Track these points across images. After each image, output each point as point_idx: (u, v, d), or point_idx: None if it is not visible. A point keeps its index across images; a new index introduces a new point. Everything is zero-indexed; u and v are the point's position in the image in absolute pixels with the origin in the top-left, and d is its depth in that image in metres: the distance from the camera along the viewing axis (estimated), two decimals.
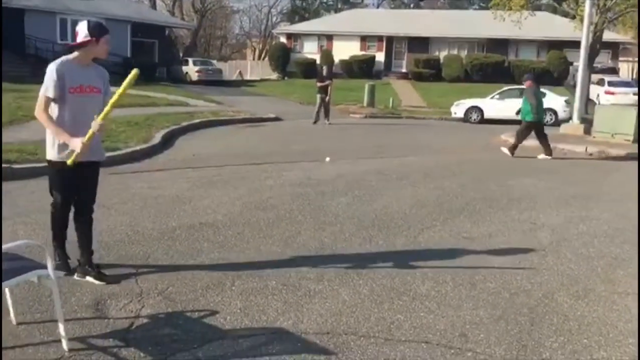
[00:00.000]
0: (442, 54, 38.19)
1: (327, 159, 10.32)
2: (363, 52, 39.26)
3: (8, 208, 6.07)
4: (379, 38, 39.84)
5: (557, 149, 13.31)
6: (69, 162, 3.96)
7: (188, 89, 28.82)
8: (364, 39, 40.06)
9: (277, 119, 18.85)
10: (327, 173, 9.06)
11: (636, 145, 13.51)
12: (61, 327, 3.18)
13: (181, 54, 45.16)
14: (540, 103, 11.92)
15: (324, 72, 18.53)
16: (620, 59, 40.31)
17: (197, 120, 15.72)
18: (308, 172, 9.07)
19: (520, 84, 16.51)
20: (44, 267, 3.17)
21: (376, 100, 24.40)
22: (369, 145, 13.00)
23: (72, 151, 3.95)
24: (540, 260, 5.13)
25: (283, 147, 12.10)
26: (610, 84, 28.21)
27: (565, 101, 21.15)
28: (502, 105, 21.43)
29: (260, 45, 60.31)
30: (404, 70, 38.76)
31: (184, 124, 14.71)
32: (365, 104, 24.26)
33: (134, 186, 7.58)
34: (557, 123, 19.11)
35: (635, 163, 11.79)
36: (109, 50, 4.19)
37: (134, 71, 3.80)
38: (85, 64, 4.12)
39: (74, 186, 4.21)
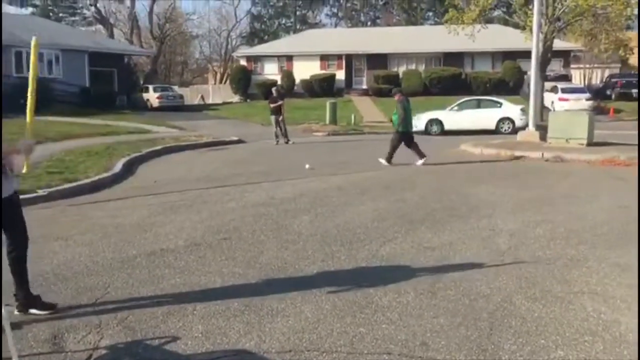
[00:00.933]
0: (401, 69, 38.79)
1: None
2: (323, 71, 39.60)
3: None
4: (339, 56, 40.27)
5: (514, 156, 13.63)
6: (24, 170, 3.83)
7: (149, 115, 28.61)
8: (324, 58, 40.43)
9: (239, 141, 18.84)
10: (290, 192, 9.08)
11: (590, 149, 13.93)
12: None
13: (141, 81, 44.81)
14: (408, 114, 12.43)
15: (274, 93, 18.80)
16: (572, 66, 41.52)
17: (158, 147, 15.60)
18: (271, 192, 9.08)
19: (478, 94, 16.90)
20: None
21: (338, 118, 24.64)
22: (332, 162, 13.09)
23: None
24: (499, 265, 5.22)
25: (245, 169, 12.09)
26: (564, 90, 29.08)
27: (521, 109, 21.69)
28: (460, 116, 21.90)
29: (221, 69, 60.31)
30: (364, 86, 39.20)
31: (145, 151, 14.58)
32: (327, 121, 24.47)
33: (93, 216, 7.47)
34: (515, 131, 19.60)
35: (589, 166, 12.15)
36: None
37: (33, 40, 3.69)
38: None
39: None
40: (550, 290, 4.57)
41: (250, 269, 5.21)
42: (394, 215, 7.30)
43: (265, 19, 65.20)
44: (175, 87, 42.59)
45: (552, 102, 28.27)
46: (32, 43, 3.64)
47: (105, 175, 10.56)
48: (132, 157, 13.22)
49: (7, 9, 50.07)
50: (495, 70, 37.43)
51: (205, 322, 3.98)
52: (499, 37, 35.88)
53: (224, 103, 39.78)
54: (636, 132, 14.16)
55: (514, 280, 4.82)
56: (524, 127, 18.57)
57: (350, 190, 9.17)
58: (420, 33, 42.89)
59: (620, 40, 27.28)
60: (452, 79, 35.99)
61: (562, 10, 24.06)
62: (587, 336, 3.75)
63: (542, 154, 13.36)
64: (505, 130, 21.27)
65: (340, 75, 39.91)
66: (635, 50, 29.25)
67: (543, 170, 11.74)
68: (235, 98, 41.14)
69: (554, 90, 29.08)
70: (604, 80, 42.07)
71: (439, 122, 21.88)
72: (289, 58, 41.07)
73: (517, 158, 13.44)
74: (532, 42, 17.44)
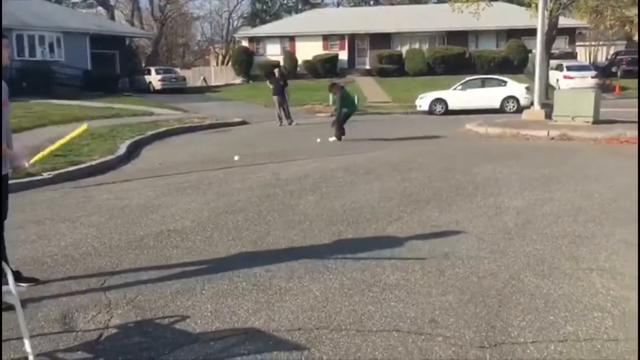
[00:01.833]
0: (404, 49, 38.54)
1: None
2: (326, 52, 39.37)
3: None
4: (341, 37, 40.02)
5: (520, 134, 13.57)
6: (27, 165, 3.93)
7: (152, 98, 28.55)
8: (326, 38, 40.19)
9: (243, 122, 18.79)
10: (295, 172, 9.07)
11: (596, 126, 13.85)
12: (26, 344, 3.12)
13: (143, 64, 44.62)
14: (345, 101, 13.62)
15: (276, 74, 18.73)
16: (578, 43, 41.21)
17: (162, 129, 15.58)
18: (276, 173, 9.07)
19: (482, 73, 16.76)
20: (5, 283, 3.12)
21: None
22: (336, 144, 13.04)
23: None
24: (507, 243, 5.22)
25: (250, 150, 12.06)
26: (569, 68, 28.84)
27: (526, 88, 21.56)
28: (465, 95, 21.77)
29: (223, 51, 59.98)
30: (367, 67, 39.00)
31: (149, 133, 14.57)
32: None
33: (99, 198, 7.47)
34: (519, 110, 19.50)
35: (595, 144, 12.10)
36: (9, 55, 3.98)
37: (84, 126, 3.78)
38: None
39: None
40: (559, 267, 4.57)
41: (257, 248, 5.22)
42: (400, 195, 7.28)
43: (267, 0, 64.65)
44: (177, 70, 42.42)
45: (557, 80, 28.06)
46: (82, 127, 3.75)
47: (110, 157, 10.56)
48: (136, 139, 13.22)
49: None
50: (499, 49, 37.16)
51: (214, 301, 3.99)
52: (503, 15, 35.59)
53: (227, 85, 39.65)
54: None
55: (522, 257, 4.81)
56: (529, 106, 18.48)
57: (356, 171, 9.15)
58: (423, 12, 42.50)
59: (626, 17, 27.02)
60: (456, 58, 35.74)
61: None
62: (596, 312, 3.75)
63: (548, 133, 13.29)
64: (510, 109, 21.15)
65: (343, 55, 39.71)
66: None
67: (549, 148, 11.69)
68: (238, 80, 40.98)
69: (559, 68, 28.86)
70: (609, 57, 41.74)
71: (443, 102, 21.77)
72: (292, 39, 40.84)
73: (523, 136, 13.38)
74: (537, 20, 17.28)
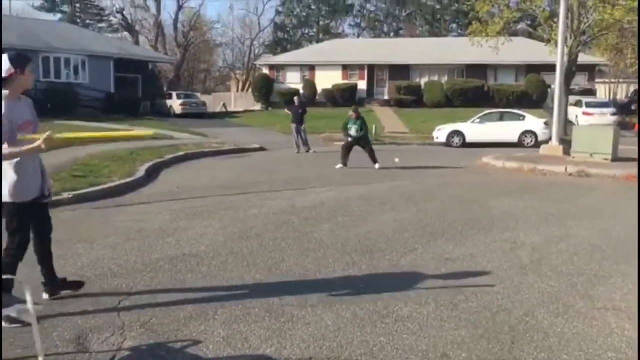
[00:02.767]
0: (423, 81, 38.78)
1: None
2: (345, 81, 39.75)
3: None
4: (361, 67, 40.42)
5: (537, 169, 13.53)
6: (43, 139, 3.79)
7: (172, 122, 28.95)
8: (346, 68, 40.61)
9: (261, 149, 18.96)
10: (311, 200, 9.11)
11: (615, 164, 13.75)
12: None
13: (165, 88, 45.36)
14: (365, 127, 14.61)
15: (296, 102, 18.91)
16: (597, 80, 41.13)
17: (181, 153, 15.77)
18: (292, 201, 9.12)
19: (501, 107, 16.77)
20: (23, 302, 3.18)
21: None
22: (353, 172, 13.10)
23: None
24: (521, 279, 5.19)
25: (267, 177, 12.16)
26: (588, 105, 28.79)
27: (545, 123, 21.52)
28: (483, 128, 21.78)
29: (244, 77, 60.81)
30: (386, 97, 39.25)
31: (169, 157, 14.74)
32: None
33: (117, 220, 7.57)
34: (537, 145, 19.44)
35: (613, 181, 12.01)
36: (34, 79, 4.14)
37: (150, 132, 3.88)
38: (17, 99, 4.01)
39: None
40: (574, 306, 4.53)
41: (271, 275, 5.25)
42: (415, 226, 7.28)
43: (288, 29, 65.69)
44: (198, 95, 43.01)
45: (577, 117, 28.00)
46: (148, 132, 3.84)
47: (128, 180, 10.70)
48: (155, 162, 13.37)
49: (37, 14, 51.16)
50: (518, 83, 37.22)
51: (227, 327, 4.02)
52: (523, 50, 35.70)
53: (246, 111, 40.07)
54: None
55: (536, 294, 4.78)
56: (547, 141, 18.41)
57: (372, 200, 9.17)
58: (443, 44, 42.84)
59: None
60: (475, 91, 35.85)
61: (587, 24, 23.89)
62: (610, 353, 3.71)
63: (566, 169, 13.23)
64: (528, 143, 21.11)
65: (362, 85, 40.03)
66: None
67: (567, 184, 11.63)
68: (257, 106, 41.43)
69: (578, 104, 28.81)
70: (629, 95, 41.58)
71: (460, 134, 21.79)
72: (312, 67, 41.32)
73: (540, 171, 13.33)
74: (556, 56, 17.33)
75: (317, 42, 58.10)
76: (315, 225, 7.28)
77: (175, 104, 34.66)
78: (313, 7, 64.35)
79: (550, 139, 17.87)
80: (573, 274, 5.36)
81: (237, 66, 65.17)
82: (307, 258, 5.79)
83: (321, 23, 65.19)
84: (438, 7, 61.33)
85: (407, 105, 36.41)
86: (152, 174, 12.22)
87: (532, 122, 22.01)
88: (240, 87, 59.30)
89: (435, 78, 39.08)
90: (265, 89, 40.71)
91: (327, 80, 39.16)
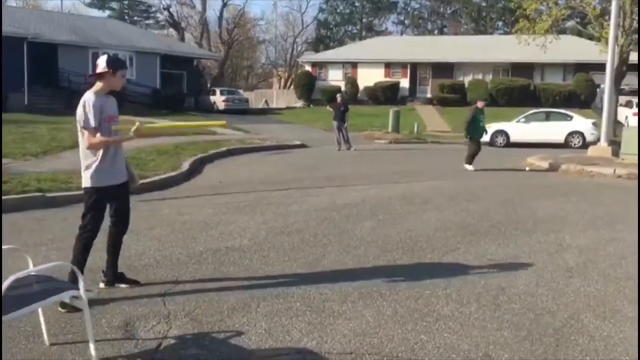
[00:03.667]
0: (467, 79, 38.25)
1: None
2: (388, 79, 39.57)
3: (42, 234, 6.28)
4: (403, 65, 40.15)
5: (584, 171, 13.20)
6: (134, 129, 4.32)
7: (215, 118, 29.31)
8: (388, 65, 40.41)
9: (302, 145, 19.05)
10: (352, 198, 9.12)
11: None
12: (92, 347, 3.28)
13: (209, 84, 46.01)
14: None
15: (338, 99, 18.93)
16: None
17: (224, 148, 15.99)
18: (333, 197, 9.15)
19: (547, 107, 16.43)
20: (76, 288, 3.29)
21: (401, 126, 24.50)
22: (394, 171, 13.05)
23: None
24: (566, 281, 5.09)
25: (308, 173, 12.22)
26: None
27: (593, 124, 20.98)
28: (528, 128, 21.37)
29: (286, 74, 61.16)
30: (428, 95, 38.90)
31: (211, 152, 14.97)
32: (390, 129, 24.37)
33: (162, 212, 7.75)
34: (585, 146, 18.97)
35: None
36: (123, 84, 4.52)
37: (223, 122, 4.23)
38: (106, 95, 4.44)
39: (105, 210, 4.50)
40: (621, 310, 4.42)
41: (312, 270, 5.29)
42: (457, 226, 7.21)
43: (331, 26, 65.73)
44: (241, 91, 43.50)
45: (626, 117, 27.15)
46: (222, 122, 4.21)
47: (173, 173, 10.92)
48: (198, 157, 13.61)
49: (86, 11, 52.54)
50: (566, 83, 36.32)
51: (269, 319, 4.07)
52: (571, 49, 34.85)
53: (287, 108, 40.32)
54: None
55: (582, 297, 4.68)
56: (595, 142, 17.95)
57: (413, 199, 9.13)
58: (488, 42, 42.16)
59: None
60: (520, 90, 35.16)
61: None
62: None
63: (614, 170, 12.87)
64: (575, 144, 20.60)
65: (405, 83, 39.78)
66: None
67: (615, 187, 11.32)
68: (299, 103, 41.64)
69: (628, 104, 27.94)
70: None
71: (504, 134, 21.42)
72: (354, 65, 41.27)
73: (588, 173, 13.01)
74: (606, 55, 16.85)
75: (360, 39, 57.94)
76: (357, 223, 7.29)
77: (219, 99, 35.12)
78: (357, 4, 64.23)
79: (598, 140, 17.40)
80: (621, 277, 5.23)
81: (280, 63, 65.60)
82: (348, 255, 5.81)
83: (364, 20, 64.99)
84: (484, 4, 60.39)
85: (450, 103, 36.00)
86: (196, 168, 12.43)
87: (580, 122, 21.48)
88: (282, 84, 59.69)
89: (480, 76, 38.50)
90: (307, 86, 40.90)
91: (369, 77, 39.06)
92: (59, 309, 4.00)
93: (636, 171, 12.62)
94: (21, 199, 7.80)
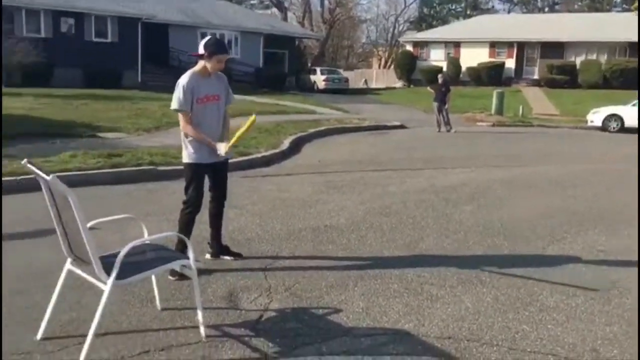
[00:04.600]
0: (579, 60, 36.11)
1: None
2: (492, 59, 38.14)
3: (154, 206, 6.67)
4: (509, 44, 38.50)
5: None
6: (223, 153, 4.49)
7: (315, 97, 29.63)
8: (493, 45, 38.90)
9: (401, 126, 18.85)
10: (452, 181, 8.95)
11: None
12: (200, 315, 3.46)
13: (309, 64, 46.48)
14: None
15: (439, 80, 18.52)
16: None
17: (323, 128, 16.14)
18: (431, 180, 9.02)
19: None
20: (187, 257, 3.48)
21: (505, 108, 23.59)
22: (496, 154, 12.63)
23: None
24: None
25: (406, 155, 12.10)
26: None
27: None
28: None
29: (386, 54, 60.52)
30: (535, 77, 37.12)
31: (311, 131, 15.16)
32: (493, 112, 23.54)
33: (263, 189, 7.98)
34: None
35: None
36: (220, 68, 4.60)
37: (252, 117, 4.37)
38: (207, 74, 4.53)
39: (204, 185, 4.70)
40: None
41: (410, 252, 5.26)
42: (563, 213, 6.89)
43: (435, 4, 64.11)
44: (341, 71, 43.56)
45: None
46: (251, 118, 4.40)
47: (274, 151, 11.18)
48: (298, 135, 13.84)
49: None
50: None
51: (366, 298, 4.11)
52: None
53: (387, 88, 39.98)
54: None
55: None
56: None
57: (515, 184, 8.81)
58: (602, 20, 39.45)
59: None
60: (638, 71, 32.69)
61: None
62: None
63: None
64: None
65: (510, 63, 38.19)
66: None
67: None
68: (399, 83, 41.17)
69: None
70: None
71: (618, 118, 20.07)
72: (457, 44, 40.12)
73: None
74: None
75: (465, 18, 56.15)
76: (456, 206, 7.15)
77: (319, 79, 35.41)
78: None
79: None
80: None
81: (380, 42, 64.96)
82: (447, 239, 5.73)
83: None
84: None
85: (559, 85, 34.20)
86: (295, 147, 12.65)
87: None
88: (382, 63, 59.14)
89: (593, 57, 36.19)
90: (408, 66, 40.32)
91: (472, 58, 37.84)
92: (169, 277, 4.24)
93: None
94: (135, 171, 8.31)
